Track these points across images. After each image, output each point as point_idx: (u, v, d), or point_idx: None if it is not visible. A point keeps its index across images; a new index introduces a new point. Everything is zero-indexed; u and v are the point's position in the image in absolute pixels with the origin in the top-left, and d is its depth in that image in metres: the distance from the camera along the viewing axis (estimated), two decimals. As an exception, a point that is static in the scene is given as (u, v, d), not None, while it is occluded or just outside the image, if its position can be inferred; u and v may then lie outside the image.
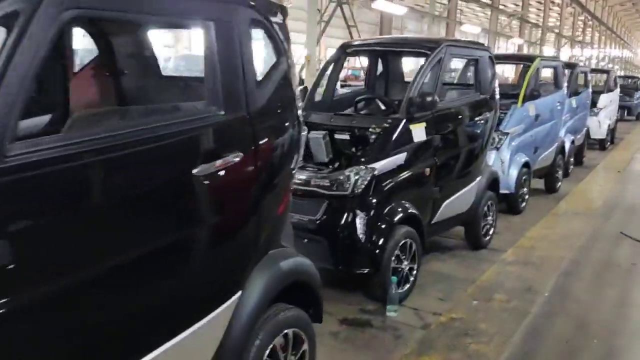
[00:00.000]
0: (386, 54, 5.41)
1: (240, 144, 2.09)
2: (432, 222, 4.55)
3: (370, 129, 4.15)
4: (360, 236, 3.81)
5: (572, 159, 9.42)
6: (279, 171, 2.35)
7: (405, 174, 4.10)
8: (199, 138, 1.95)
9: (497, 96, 5.33)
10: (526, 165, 6.82)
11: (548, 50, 35.02)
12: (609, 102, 12.82)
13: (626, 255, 5.28)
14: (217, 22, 2.01)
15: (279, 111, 2.34)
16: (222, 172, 1.99)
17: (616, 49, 57.34)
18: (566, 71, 9.59)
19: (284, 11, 2.42)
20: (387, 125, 4.09)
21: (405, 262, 4.04)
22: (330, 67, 4.90)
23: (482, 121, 4.95)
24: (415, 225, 4.15)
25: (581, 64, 13.21)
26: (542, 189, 8.17)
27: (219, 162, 1.96)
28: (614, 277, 4.68)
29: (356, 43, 5.02)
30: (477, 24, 35.07)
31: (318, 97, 4.96)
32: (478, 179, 5.09)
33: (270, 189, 2.30)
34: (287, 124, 2.38)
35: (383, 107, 4.65)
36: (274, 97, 2.29)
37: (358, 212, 3.83)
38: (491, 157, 6.51)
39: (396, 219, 3.96)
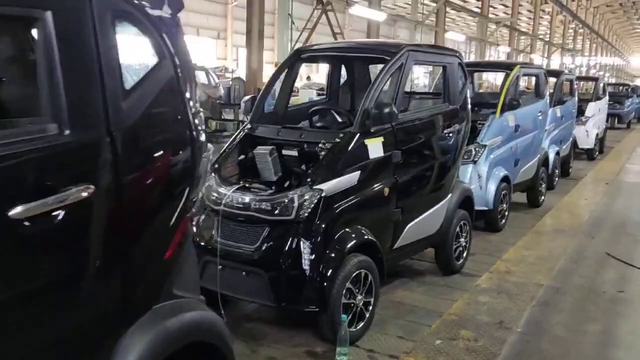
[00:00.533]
0: (351, 60, 4.95)
1: (92, 174, 1.60)
2: (394, 247, 4.07)
3: (319, 145, 3.68)
4: (306, 268, 3.32)
5: (557, 171, 8.98)
6: (160, 206, 1.86)
7: (359, 195, 3.62)
8: (20, 167, 1.46)
9: (469, 106, 4.87)
10: (505, 179, 6.36)
11: (538, 59, 34.81)
12: (597, 110, 12.42)
13: (612, 281, 4.82)
14: (57, 11, 1.52)
15: (160, 129, 1.86)
16: (59, 213, 1.49)
17: (608, 57, 57.32)
18: (551, 79, 9.20)
19: (175, 2, 1.94)
20: (338, 140, 3.62)
21: (360, 297, 3.55)
22: (283, 75, 4.42)
23: (451, 134, 4.49)
24: (372, 253, 3.67)
25: (566, 71, 12.79)
26: (525, 203, 7.72)
27: (51, 200, 1.47)
28: (596, 309, 4.21)
29: (312, 48, 4.55)
30: (468, 32, 34.86)
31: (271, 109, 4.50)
32: (448, 197, 4.62)
33: (147, 229, 1.81)
34: (173, 145, 1.90)
35: (340, 120, 4.18)
36: (152, 110, 1.80)
37: (303, 239, 3.35)
38: (468, 171, 6.08)
39: (348, 246, 3.48)
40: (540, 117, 7.22)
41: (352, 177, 3.56)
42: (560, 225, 6.64)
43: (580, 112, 12.21)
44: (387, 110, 3.68)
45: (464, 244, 4.95)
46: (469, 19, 39.47)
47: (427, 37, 28.87)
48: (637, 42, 68.93)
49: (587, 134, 11.99)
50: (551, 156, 8.57)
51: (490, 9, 39.47)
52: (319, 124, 4.24)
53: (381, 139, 3.77)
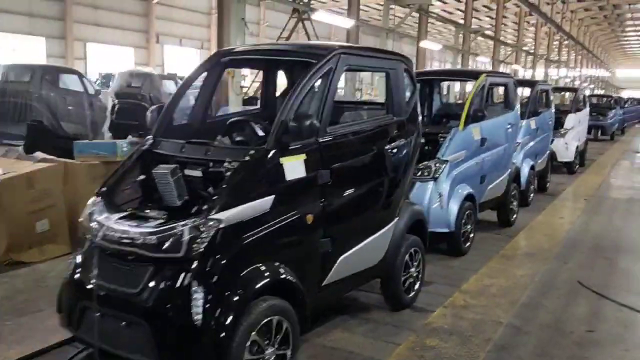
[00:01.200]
0: (288, 65, 4.35)
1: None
2: (325, 284, 3.44)
3: (225, 164, 3.05)
4: (197, 317, 2.68)
5: (532, 186, 8.41)
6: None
7: (273, 225, 2.99)
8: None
9: (419, 118, 4.27)
10: (470, 197, 5.76)
11: (522, 70, 34.50)
12: (577, 122, 11.91)
13: (582, 317, 4.21)
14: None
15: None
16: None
17: (593, 69, 57.35)
18: (527, 90, 8.68)
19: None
20: (246, 159, 3.00)
21: (270, 350, 2.91)
22: (200, 81, 3.80)
23: (396, 150, 3.88)
24: (290, 294, 3.04)
25: (542, 81, 12.26)
26: (497, 221, 7.12)
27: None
28: (561, 354, 3.59)
29: (233, 50, 3.92)
30: (450, 43, 34.42)
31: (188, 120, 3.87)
32: (394, 221, 4.00)
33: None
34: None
35: (261, 134, 3.56)
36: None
37: (195, 281, 2.71)
38: (427, 190, 5.48)
39: (256, 287, 2.84)
40: (510, 130, 6.64)
41: (263, 203, 2.94)
42: (531, 247, 6.04)
43: (560, 124, 11.73)
44: (307, 122, 3.07)
45: (415, 274, 4.33)
46: (446, 28, 39.02)
47: (398, 45, 28.31)
48: (622, 55, 69.17)
49: (566, 147, 11.46)
50: (524, 171, 8.00)
51: (476, 20, 39.30)
52: (238, 139, 3.62)
53: (303, 156, 3.16)
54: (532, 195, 8.41)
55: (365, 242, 3.72)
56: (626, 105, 26.84)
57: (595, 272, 5.25)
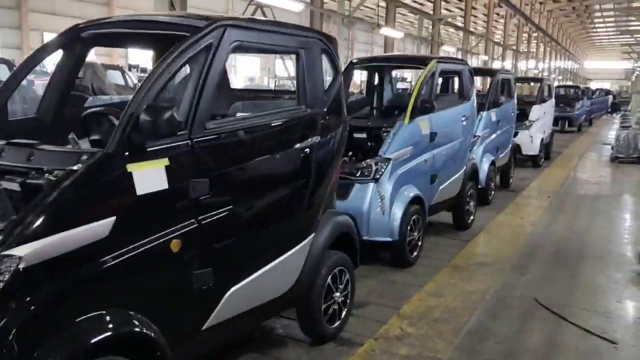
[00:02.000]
0: (162, 42, 3.48)
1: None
2: (206, 327, 2.63)
3: (46, 174, 2.21)
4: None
5: (493, 184, 7.72)
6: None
7: (116, 257, 2.17)
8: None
9: (344, 110, 3.48)
10: (417, 200, 5.01)
11: (497, 63, 34.04)
12: (542, 114, 11.29)
13: (536, 346, 3.49)
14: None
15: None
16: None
17: (563, 60, 57.45)
18: (488, 79, 7.94)
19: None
20: (75, 167, 2.15)
21: None
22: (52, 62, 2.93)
23: (308, 149, 3.07)
24: (145, 350, 2.23)
25: (504, 69, 11.51)
26: (452, 223, 6.40)
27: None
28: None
29: (94, 23, 3.04)
30: (410, 31, 33.69)
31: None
32: (309, 238, 3.20)
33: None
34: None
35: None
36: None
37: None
38: (367, 192, 4.71)
39: (90, 343, 2.03)
40: (465, 123, 5.90)
41: (96, 229, 2.11)
42: (485, 255, 5.32)
43: (524, 115, 11.10)
44: (166, 116, 2.25)
45: (341, 299, 3.54)
46: (407, 15, 38.23)
47: (360, 34, 27.45)
48: (591, 47, 69.58)
49: (531, 140, 10.84)
50: (484, 167, 7.30)
51: (446, 12, 38.67)
52: (93, 137, 2.77)
53: (164, 162, 2.33)
54: (492, 192, 7.72)
55: (268, 266, 2.92)
56: (594, 96, 26.56)
57: (555, 285, 4.55)
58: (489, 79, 8.99)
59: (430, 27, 25.28)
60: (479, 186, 7.23)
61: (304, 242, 3.15)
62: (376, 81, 6.50)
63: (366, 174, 4.76)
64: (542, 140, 11.13)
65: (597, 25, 52.80)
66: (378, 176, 4.74)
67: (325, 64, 3.39)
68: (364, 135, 5.25)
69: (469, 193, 6.24)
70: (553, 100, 12.50)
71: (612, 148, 13.24)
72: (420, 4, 36.83)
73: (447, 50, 22.71)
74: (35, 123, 2.90)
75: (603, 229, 6.50)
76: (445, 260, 5.11)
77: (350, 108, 5.95)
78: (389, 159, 4.79)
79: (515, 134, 10.81)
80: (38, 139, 2.56)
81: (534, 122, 10.94)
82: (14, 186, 2.29)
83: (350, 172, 4.80)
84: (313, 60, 3.17)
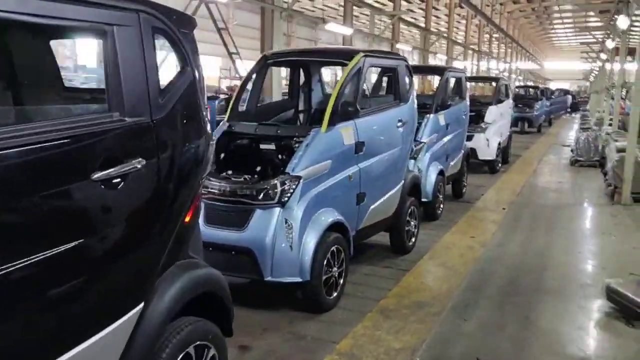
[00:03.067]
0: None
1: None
2: None
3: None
4: None
5: (441, 196, 6.76)
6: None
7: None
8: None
9: (202, 118, 2.41)
10: (337, 226, 3.98)
11: (458, 63, 33.48)
12: (498, 115, 10.45)
13: None
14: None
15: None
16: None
17: (523, 61, 57.64)
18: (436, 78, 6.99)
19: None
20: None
21: None
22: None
23: (120, 180, 1.98)
24: None
25: (454, 67, 10.46)
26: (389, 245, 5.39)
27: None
28: None
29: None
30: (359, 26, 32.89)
31: None
32: (135, 309, 2.12)
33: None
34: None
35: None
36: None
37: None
38: (271, 221, 3.68)
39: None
40: (402, 129, 4.90)
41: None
42: (424, 291, 4.32)
43: (480, 117, 10.24)
44: None
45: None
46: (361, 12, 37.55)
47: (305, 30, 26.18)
48: (550, 48, 70.20)
49: (487, 143, 9.98)
50: (431, 178, 6.35)
51: (411, 13, 38.01)
52: None
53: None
54: (441, 206, 6.77)
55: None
56: (553, 96, 26.17)
57: (504, 334, 3.58)
58: (437, 78, 8.04)
59: (383, 24, 24.38)
60: (425, 200, 6.29)
61: (119, 321, 2.05)
62: (302, 81, 5.44)
63: (270, 197, 3.70)
64: (499, 143, 10.29)
65: (556, 27, 53.11)
66: (285, 199, 3.69)
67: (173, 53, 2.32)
68: (272, 147, 4.20)
69: (409, 211, 5.24)
70: (510, 100, 11.70)
71: (571, 151, 12.53)
72: (382, 4, 36.14)
73: (402, 48, 21.71)
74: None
75: (563, 249, 5.60)
76: (373, 300, 4.09)
77: (266, 112, 5.07)
78: (300, 177, 3.74)
79: (470, 138, 9.97)
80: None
81: (490, 124, 10.09)
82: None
83: (250, 195, 3.75)
84: (130, 46, 2.07)
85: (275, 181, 3.70)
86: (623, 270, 4.73)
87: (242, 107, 4.75)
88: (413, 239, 5.40)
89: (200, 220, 3.86)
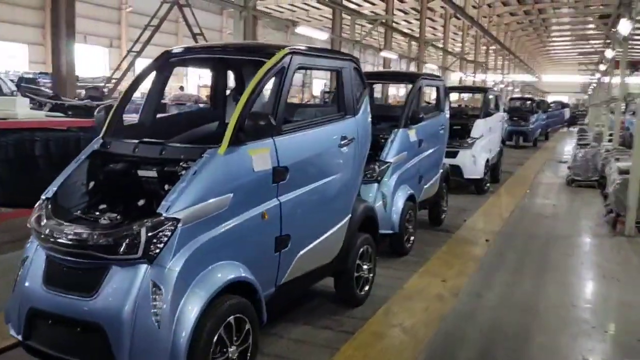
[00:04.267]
0: None
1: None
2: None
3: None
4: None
5: (411, 226, 5.58)
6: None
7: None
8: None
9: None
10: (239, 286, 2.83)
11: (455, 75, 32.45)
12: (487, 130, 9.32)
13: None
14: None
15: None
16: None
17: (520, 74, 56.63)
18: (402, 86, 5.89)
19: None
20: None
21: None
22: None
23: None
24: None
25: (429, 74, 9.08)
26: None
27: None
28: None
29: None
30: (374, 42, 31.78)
31: None
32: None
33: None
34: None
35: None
36: None
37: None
38: (132, 281, 2.55)
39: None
40: (345, 149, 3.74)
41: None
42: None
43: (466, 132, 9.12)
44: None
45: None
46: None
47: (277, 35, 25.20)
48: (548, 60, 69.32)
49: (473, 161, 8.83)
50: (398, 205, 5.24)
51: (406, 23, 37.06)
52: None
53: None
54: (412, 238, 5.60)
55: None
56: (550, 109, 25.03)
57: None
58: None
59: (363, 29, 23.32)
60: (391, 232, 5.16)
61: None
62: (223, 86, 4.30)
63: (132, 247, 2.55)
64: (487, 161, 9.13)
65: (553, 38, 52.25)
66: (155, 252, 2.54)
67: None
68: (153, 174, 3.03)
69: (360, 252, 4.07)
70: (501, 113, 10.58)
71: (568, 168, 11.39)
72: (375, 14, 35.17)
73: (389, 56, 20.36)
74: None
75: (555, 300, 4.42)
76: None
77: (172, 125, 3.75)
78: (177, 220, 2.59)
79: (455, 155, 8.86)
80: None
81: (477, 139, 8.95)
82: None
83: (105, 245, 2.60)
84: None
85: (138, 227, 2.56)
86: (633, 334, 3.58)
87: (134, 118, 3.63)
88: (366, 287, 4.22)
89: (38, 281, 2.76)
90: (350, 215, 3.88)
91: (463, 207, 7.95)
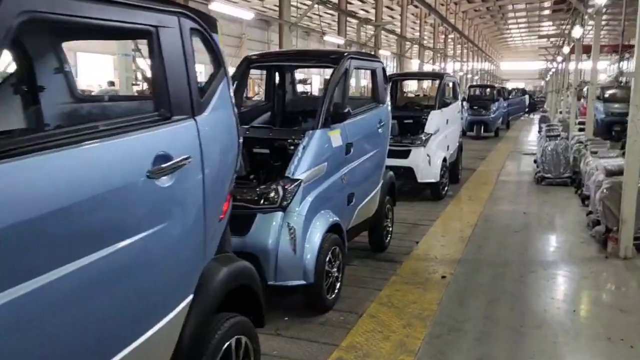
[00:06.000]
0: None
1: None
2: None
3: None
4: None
5: (337, 268, 3.85)
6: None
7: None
8: None
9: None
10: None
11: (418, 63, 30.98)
12: (443, 123, 7.70)
13: None
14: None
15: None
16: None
17: (480, 62, 55.83)
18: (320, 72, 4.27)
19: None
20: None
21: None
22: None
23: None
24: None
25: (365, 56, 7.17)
26: None
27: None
28: None
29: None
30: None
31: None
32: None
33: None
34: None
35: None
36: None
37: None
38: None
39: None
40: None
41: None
42: None
43: (419, 126, 7.51)
44: None
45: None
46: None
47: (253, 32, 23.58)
48: (505, 48, 68.85)
49: (428, 161, 7.21)
50: (312, 242, 3.51)
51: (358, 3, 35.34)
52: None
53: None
54: (338, 286, 3.87)
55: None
56: (510, 97, 23.77)
57: None
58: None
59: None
60: (306, 282, 3.46)
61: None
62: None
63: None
64: (444, 160, 7.52)
65: (510, 26, 51.54)
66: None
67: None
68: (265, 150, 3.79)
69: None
70: (459, 102, 8.96)
71: (535, 162, 9.93)
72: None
73: (330, 40, 18.67)
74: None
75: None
76: None
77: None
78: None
79: (406, 154, 7.24)
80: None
81: (432, 135, 7.33)
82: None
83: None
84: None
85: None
86: None
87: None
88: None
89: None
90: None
91: (415, 220, 6.31)
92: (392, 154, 7.26)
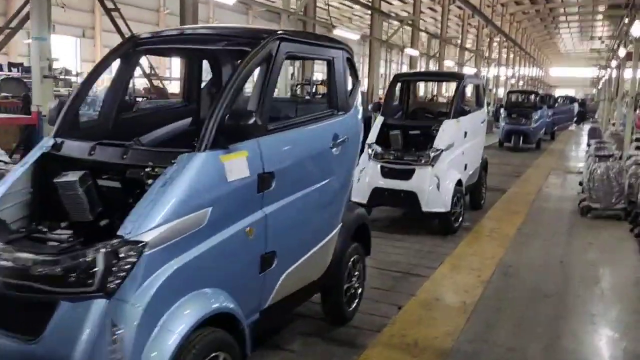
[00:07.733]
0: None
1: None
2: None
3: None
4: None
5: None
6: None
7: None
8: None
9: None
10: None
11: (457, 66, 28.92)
12: (460, 135, 5.94)
13: None
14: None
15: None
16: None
17: (527, 67, 52.67)
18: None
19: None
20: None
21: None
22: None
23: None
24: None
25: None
26: None
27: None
28: None
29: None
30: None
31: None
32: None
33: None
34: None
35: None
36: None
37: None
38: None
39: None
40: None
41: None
42: None
43: (429, 139, 5.81)
44: None
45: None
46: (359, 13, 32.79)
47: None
48: (555, 53, 65.14)
49: (437, 184, 5.49)
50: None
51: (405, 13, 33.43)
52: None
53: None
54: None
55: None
56: (556, 105, 21.27)
57: None
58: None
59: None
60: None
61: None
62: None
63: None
64: (459, 183, 5.76)
65: (561, 31, 48.32)
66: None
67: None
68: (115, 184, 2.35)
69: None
70: (484, 110, 7.10)
71: (580, 185, 8.00)
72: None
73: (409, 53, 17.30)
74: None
75: None
76: None
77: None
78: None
79: (409, 175, 5.60)
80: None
81: (444, 150, 5.60)
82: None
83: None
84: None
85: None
86: None
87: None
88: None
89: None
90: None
91: (409, 267, 4.62)
92: (390, 174, 5.64)
